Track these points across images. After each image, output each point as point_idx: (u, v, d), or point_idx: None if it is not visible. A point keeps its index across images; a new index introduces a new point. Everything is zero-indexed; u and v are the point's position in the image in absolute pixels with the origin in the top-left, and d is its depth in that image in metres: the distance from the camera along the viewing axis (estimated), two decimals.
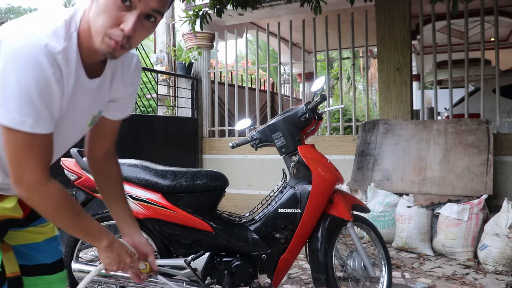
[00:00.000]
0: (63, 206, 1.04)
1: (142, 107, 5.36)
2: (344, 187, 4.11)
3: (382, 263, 2.37)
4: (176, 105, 5.86)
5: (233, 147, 2.39)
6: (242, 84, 6.82)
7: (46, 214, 1.06)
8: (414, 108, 5.23)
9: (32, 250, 1.23)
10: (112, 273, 2.17)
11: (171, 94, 6.25)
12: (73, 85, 0.99)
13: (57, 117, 0.99)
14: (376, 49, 4.99)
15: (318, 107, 2.22)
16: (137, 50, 4.82)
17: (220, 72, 6.44)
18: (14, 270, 1.20)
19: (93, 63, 1.05)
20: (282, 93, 6.55)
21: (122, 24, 0.95)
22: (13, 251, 1.21)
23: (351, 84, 8.02)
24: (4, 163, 1.02)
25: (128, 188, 2.10)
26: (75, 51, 0.98)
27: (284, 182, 2.27)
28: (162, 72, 6.15)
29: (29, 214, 1.19)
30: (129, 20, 0.94)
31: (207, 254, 2.12)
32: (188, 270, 2.08)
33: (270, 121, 2.29)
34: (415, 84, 6.96)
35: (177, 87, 5.82)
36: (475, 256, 3.35)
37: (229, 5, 3.98)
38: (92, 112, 1.14)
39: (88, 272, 2.19)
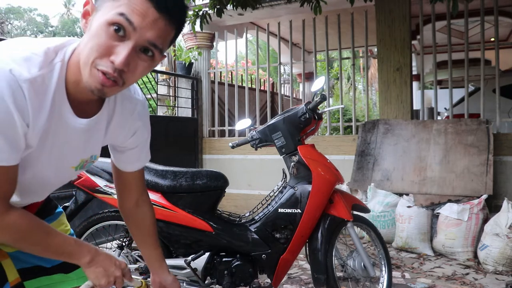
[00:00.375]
0: (27, 234, 0.95)
1: None
2: (344, 187, 4.11)
3: (382, 263, 2.37)
4: (176, 105, 5.86)
5: (233, 147, 2.39)
6: (242, 84, 6.82)
7: (10, 244, 1.00)
8: (414, 108, 5.23)
9: (27, 254, 1.16)
10: None
11: (171, 94, 6.25)
12: (47, 120, 0.88)
13: (23, 150, 0.88)
14: (376, 49, 4.99)
15: (318, 107, 2.22)
16: None
17: (220, 72, 6.44)
18: (15, 277, 1.16)
19: (86, 101, 0.95)
20: (282, 93, 6.55)
21: (113, 56, 0.84)
22: (10, 258, 1.15)
23: (351, 84, 8.02)
24: None
25: None
26: (55, 83, 0.87)
27: (284, 182, 2.27)
28: (162, 72, 6.15)
29: None
30: (121, 52, 0.83)
31: (207, 254, 2.12)
32: (188, 270, 2.08)
33: (270, 121, 2.29)
34: (415, 84, 6.96)
35: (177, 87, 5.82)
36: (475, 256, 3.35)
37: (229, 5, 3.98)
38: (81, 155, 1.05)
39: None
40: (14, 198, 1.02)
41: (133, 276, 1.18)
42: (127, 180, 1.21)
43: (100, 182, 2.12)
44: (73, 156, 1.03)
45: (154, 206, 2.09)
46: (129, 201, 1.25)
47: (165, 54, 0.94)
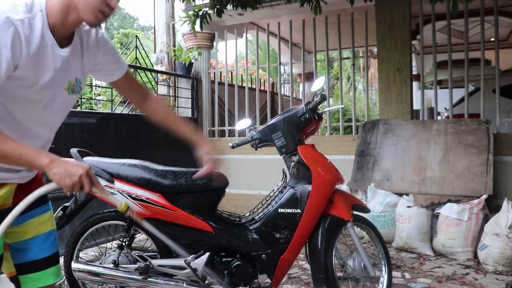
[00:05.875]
0: None
1: None
2: (344, 187, 4.11)
3: (382, 263, 2.37)
4: (176, 105, 5.86)
5: (233, 147, 2.39)
6: (242, 84, 6.82)
7: None
8: (414, 108, 5.23)
9: (27, 245, 1.30)
10: (113, 272, 2.17)
11: (171, 94, 6.25)
12: (38, 52, 1.15)
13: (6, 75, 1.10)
14: (376, 49, 4.99)
15: (318, 107, 2.22)
16: (137, 50, 4.82)
17: (220, 72, 6.44)
18: (11, 269, 1.26)
19: (64, 36, 1.23)
20: (282, 93, 6.55)
21: (108, 1, 1.17)
22: (9, 251, 1.26)
23: (351, 84, 8.02)
24: None
25: (128, 188, 2.10)
26: (41, 26, 1.15)
27: (284, 182, 2.27)
28: (162, 72, 6.15)
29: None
30: None
31: (207, 254, 2.12)
32: (188, 270, 2.08)
33: (270, 121, 2.29)
34: (415, 84, 6.96)
35: (177, 87, 5.82)
36: (475, 256, 3.35)
37: (229, 5, 3.98)
38: (68, 77, 1.29)
39: (88, 273, 2.20)
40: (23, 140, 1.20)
41: (109, 192, 1.23)
42: (123, 87, 1.54)
43: (100, 182, 2.12)
44: (63, 79, 1.27)
45: (154, 206, 2.10)
46: (139, 99, 1.59)
47: None
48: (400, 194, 3.91)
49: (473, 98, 5.34)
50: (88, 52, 1.35)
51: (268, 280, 2.17)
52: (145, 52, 6.04)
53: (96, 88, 8.97)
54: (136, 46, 4.80)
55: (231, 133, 5.76)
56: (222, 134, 5.82)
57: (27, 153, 1.13)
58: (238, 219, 2.28)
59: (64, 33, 1.23)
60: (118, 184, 2.10)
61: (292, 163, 2.18)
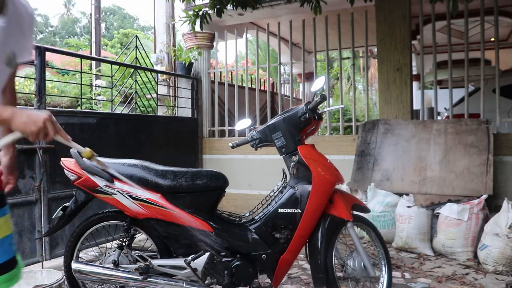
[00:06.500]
0: None
1: (142, 107, 5.35)
2: (344, 187, 4.11)
3: (382, 263, 2.37)
4: (176, 105, 5.86)
5: (233, 147, 2.39)
6: (242, 84, 6.82)
7: None
8: (414, 108, 5.23)
9: None
10: (113, 272, 2.17)
11: (171, 94, 6.25)
12: None
13: None
14: (376, 49, 4.99)
15: (318, 107, 2.22)
16: (137, 50, 4.82)
17: (220, 72, 6.44)
18: None
19: None
20: (282, 93, 6.55)
21: None
22: None
23: (351, 84, 8.02)
24: None
25: (128, 188, 2.10)
26: None
27: (284, 182, 2.27)
28: (162, 72, 6.15)
29: None
30: None
31: (207, 254, 2.12)
32: (188, 270, 2.08)
33: (270, 121, 2.29)
34: (415, 84, 6.96)
35: (177, 87, 5.82)
36: (475, 256, 3.35)
37: (229, 5, 3.98)
38: (5, 50, 1.24)
39: (88, 273, 2.20)
40: None
41: (71, 139, 1.27)
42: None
43: (100, 182, 2.12)
44: (0, 50, 1.23)
45: (154, 206, 2.11)
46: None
47: None
48: (400, 194, 3.91)
49: (473, 98, 5.34)
50: (24, 27, 1.31)
51: (268, 280, 2.17)
52: (145, 52, 6.04)
53: (96, 88, 8.98)
54: (136, 46, 4.80)
55: (231, 133, 5.76)
56: (222, 134, 5.82)
57: None
58: (238, 219, 2.28)
59: None
60: (118, 184, 2.11)
61: (292, 163, 2.18)
